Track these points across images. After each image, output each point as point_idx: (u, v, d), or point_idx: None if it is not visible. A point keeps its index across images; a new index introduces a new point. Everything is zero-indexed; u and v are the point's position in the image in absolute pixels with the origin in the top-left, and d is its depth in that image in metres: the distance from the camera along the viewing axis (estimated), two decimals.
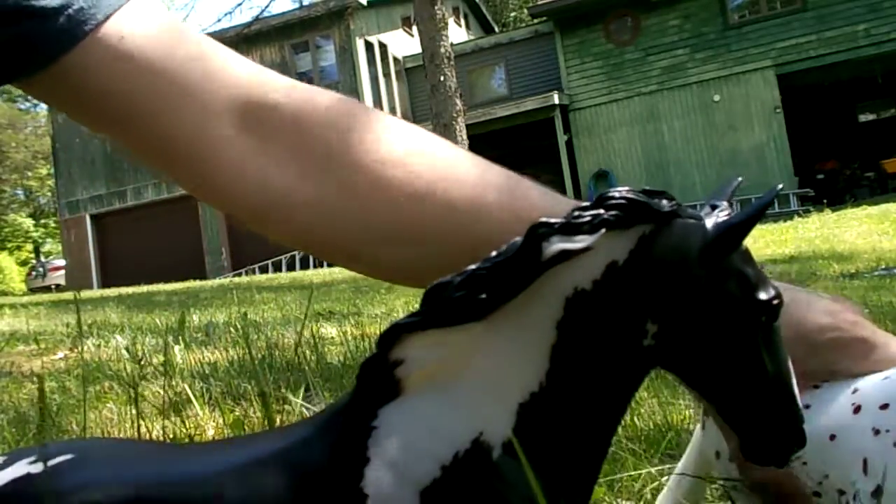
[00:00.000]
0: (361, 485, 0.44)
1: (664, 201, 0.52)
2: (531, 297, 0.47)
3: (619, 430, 1.66)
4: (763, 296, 0.49)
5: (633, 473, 1.32)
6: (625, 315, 0.48)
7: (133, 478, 0.43)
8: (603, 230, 0.48)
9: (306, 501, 0.43)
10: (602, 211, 0.49)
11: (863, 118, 18.76)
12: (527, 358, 0.47)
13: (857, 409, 0.73)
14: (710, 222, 0.51)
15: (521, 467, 0.45)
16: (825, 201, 14.33)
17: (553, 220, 0.47)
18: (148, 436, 1.70)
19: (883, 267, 5.58)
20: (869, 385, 0.75)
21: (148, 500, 0.42)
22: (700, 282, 0.48)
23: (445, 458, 0.45)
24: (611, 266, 0.48)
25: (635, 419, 1.70)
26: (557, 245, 0.46)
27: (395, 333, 0.46)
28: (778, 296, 0.50)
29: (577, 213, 0.48)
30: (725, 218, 0.51)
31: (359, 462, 0.44)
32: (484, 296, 0.46)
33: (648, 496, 1.25)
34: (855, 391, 0.76)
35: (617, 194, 0.50)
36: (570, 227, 0.47)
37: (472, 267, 0.47)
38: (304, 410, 1.67)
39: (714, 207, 0.52)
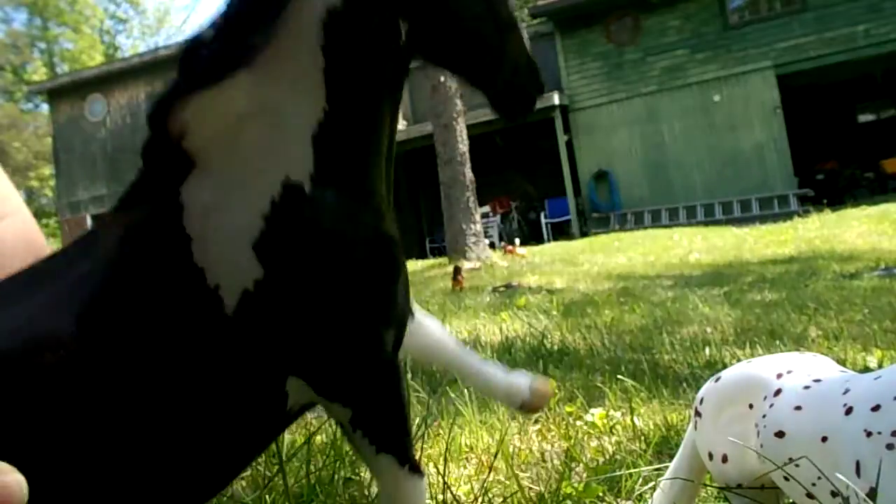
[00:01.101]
0: (194, 260, 0.43)
1: None
2: (289, 33, 0.47)
3: (619, 429, 1.67)
4: None
5: (632, 472, 1.33)
6: (379, 23, 0.50)
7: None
8: None
9: (146, 296, 0.42)
10: None
11: (862, 118, 18.74)
12: (304, 91, 0.47)
13: (848, 411, 0.74)
14: None
15: (329, 190, 0.46)
16: (825, 201, 14.32)
17: None
18: None
19: (883, 267, 5.58)
20: (860, 386, 0.76)
21: None
22: None
23: (264, 209, 0.45)
24: None
25: (635, 419, 1.70)
26: None
27: (165, 107, 0.45)
28: None
29: None
30: None
31: (182, 242, 0.43)
32: (243, 41, 0.44)
33: (647, 495, 1.25)
34: (846, 392, 0.76)
35: None
36: None
37: (221, 16, 0.46)
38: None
39: None
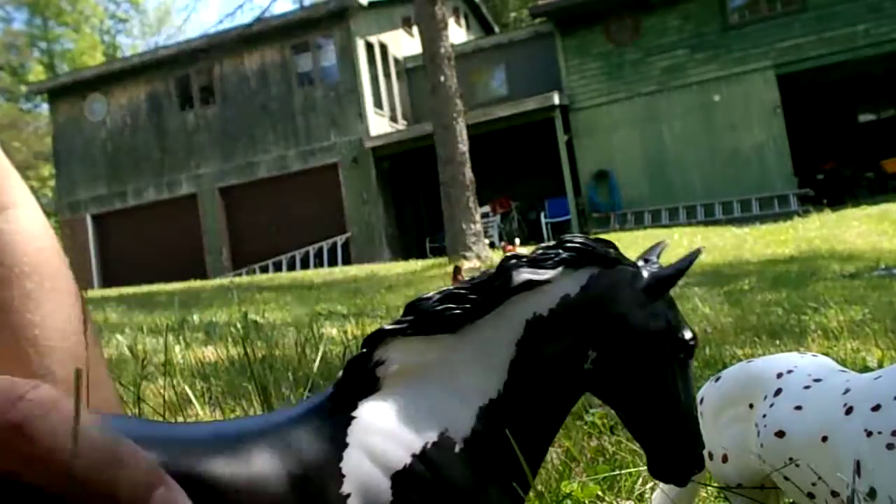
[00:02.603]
0: (340, 465, 0.50)
1: (611, 249, 0.61)
2: (498, 317, 0.57)
3: (619, 429, 1.67)
4: (684, 335, 0.60)
5: (632, 471, 1.33)
6: (571, 341, 0.58)
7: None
8: (561, 268, 0.58)
9: (293, 479, 0.48)
10: (561, 251, 0.59)
11: (863, 118, 18.74)
12: (489, 369, 0.56)
13: (848, 411, 0.74)
14: (646, 271, 0.61)
15: (475, 463, 0.53)
16: (825, 201, 14.32)
17: (524, 255, 0.58)
18: None
19: (883, 267, 5.58)
20: (860, 386, 0.76)
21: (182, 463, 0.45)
22: (635, 318, 0.59)
23: (415, 448, 0.52)
24: (564, 298, 0.58)
25: None
26: (524, 275, 0.57)
27: (380, 336, 0.55)
28: (695, 337, 0.61)
29: (541, 252, 0.59)
30: (658, 269, 0.61)
31: (339, 446, 0.50)
32: (458, 312, 0.55)
33: (647, 495, 1.25)
34: (846, 392, 0.76)
35: (574, 239, 0.60)
36: (534, 262, 0.58)
37: (452, 286, 0.57)
38: None
39: (647, 261, 0.63)
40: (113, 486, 0.35)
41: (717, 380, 0.97)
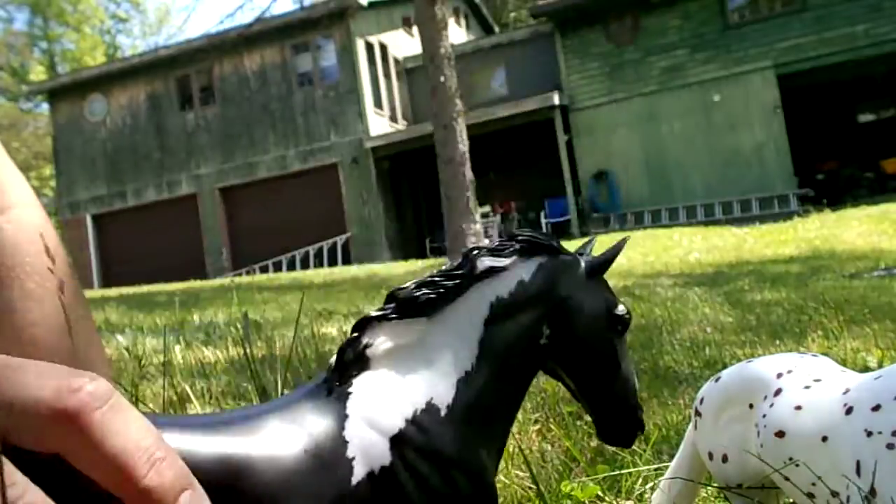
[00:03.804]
0: (344, 434, 0.57)
1: (554, 242, 0.71)
2: (466, 301, 0.66)
3: None
4: (619, 311, 0.71)
5: (632, 471, 1.33)
6: (528, 319, 0.68)
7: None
8: (516, 256, 0.68)
9: (306, 450, 0.55)
10: (515, 243, 0.69)
11: (863, 118, 18.74)
12: (462, 346, 0.65)
13: (848, 411, 0.74)
14: (583, 259, 0.72)
15: (463, 427, 0.62)
16: (825, 201, 14.33)
17: (483, 246, 0.68)
18: None
19: (883, 267, 5.58)
20: (860, 386, 0.76)
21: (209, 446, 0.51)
22: (579, 298, 0.70)
23: (407, 414, 0.60)
24: (520, 282, 0.67)
25: None
26: (487, 263, 0.67)
27: (366, 322, 0.63)
28: (628, 312, 0.72)
29: (497, 244, 0.69)
30: (593, 258, 0.73)
31: (341, 417, 0.58)
32: (432, 297, 0.64)
33: (647, 495, 1.25)
34: (846, 392, 0.76)
35: (524, 233, 0.70)
36: (494, 252, 0.68)
37: (426, 276, 0.66)
38: None
39: (581, 253, 0.74)
40: (148, 486, 0.37)
41: (717, 380, 0.97)
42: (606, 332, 0.71)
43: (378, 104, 17.56)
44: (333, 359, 0.63)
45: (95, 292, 12.07)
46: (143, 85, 18.92)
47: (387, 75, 18.21)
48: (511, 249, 0.68)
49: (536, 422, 1.81)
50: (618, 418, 0.72)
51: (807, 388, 0.82)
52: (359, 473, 0.57)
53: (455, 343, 0.65)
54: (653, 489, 1.22)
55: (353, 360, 0.62)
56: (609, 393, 0.71)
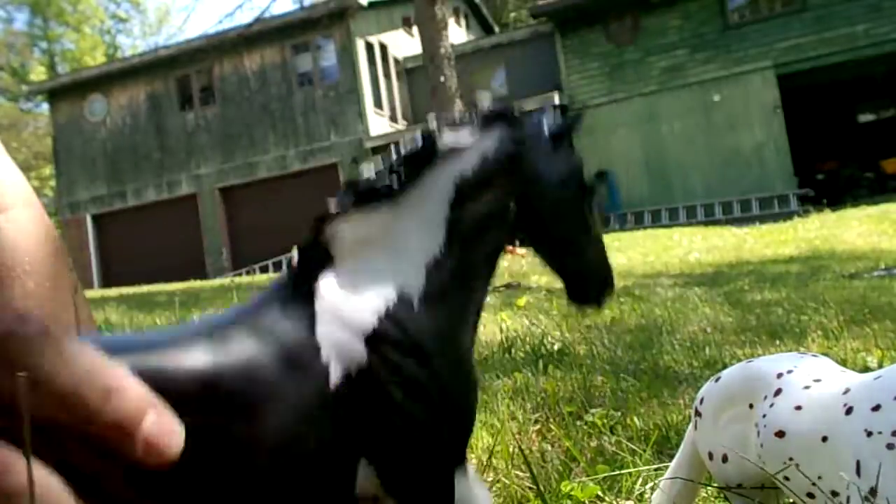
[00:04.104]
0: (315, 336, 0.55)
1: (515, 111, 0.69)
2: (430, 183, 0.63)
3: (619, 429, 1.67)
4: (587, 176, 0.69)
5: (632, 471, 1.33)
6: (495, 195, 0.66)
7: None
8: (477, 131, 0.65)
9: (278, 357, 0.53)
10: (476, 117, 0.66)
11: (863, 118, 18.74)
12: (428, 229, 0.62)
13: (848, 411, 0.74)
14: (545, 123, 0.70)
15: (437, 313, 0.60)
16: (825, 201, 14.32)
17: (443, 120, 0.65)
18: None
19: (883, 267, 5.57)
20: (860, 386, 0.76)
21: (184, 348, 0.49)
22: (545, 165, 0.68)
23: (379, 309, 0.58)
24: (483, 158, 0.65)
25: (635, 419, 1.71)
26: (448, 141, 0.64)
27: (324, 218, 0.60)
28: (598, 174, 0.72)
29: (459, 118, 0.66)
30: (557, 121, 0.71)
31: (310, 319, 0.55)
32: (391, 183, 0.61)
33: (647, 494, 1.25)
34: (846, 392, 0.76)
35: (482, 103, 0.67)
36: (454, 125, 0.65)
37: (386, 160, 0.64)
38: None
39: (538, 118, 0.71)
40: (103, 417, 0.36)
41: (717, 380, 0.97)
42: (575, 199, 0.70)
43: (378, 104, 17.56)
44: (294, 257, 0.59)
45: (95, 292, 12.07)
46: (143, 85, 18.92)
47: (387, 75, 18.21)
48: (472, 123, 0.66)
49: (536, 422, 1.81)
50: (590, 281, 0.72)
51: (807, 388, 0.82)
52: (336, 377, 0.54)
53: (421, 228, 0.62)
54: (653, 489, 1.22)
55: (316, 257, 0.59)
56: (581, 257, 0.71)
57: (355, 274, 0.59)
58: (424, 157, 0.63)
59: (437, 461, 0.61)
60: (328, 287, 0.58)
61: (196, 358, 0.49)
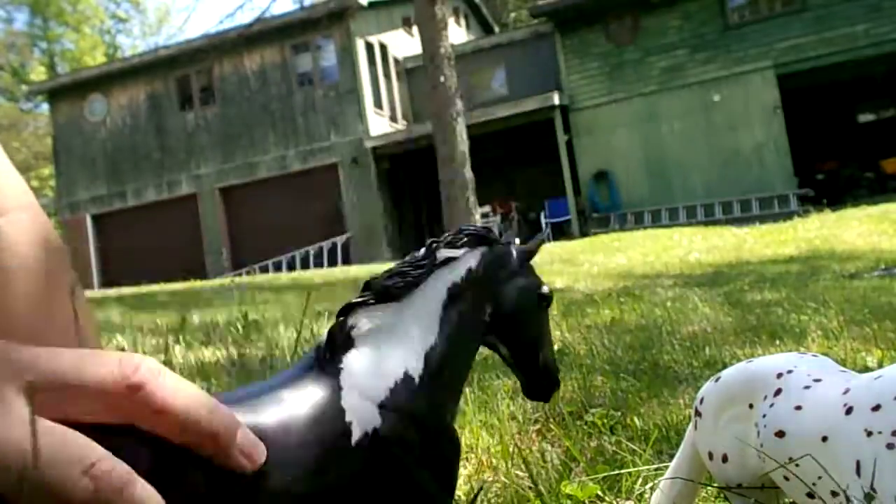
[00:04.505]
0: (341, 403, 0.69)
1: (492, 234, 0.86)
2: (428, 287, 0.80)
3: (619, 429, 1.67)
4: (544, 290, 0.88)
5: (632, 471, 1.33)
6: (476, 299, 0.83)
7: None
8: (466, 248, 0.83)
9: (311, 418, 0.66)
10: (464, 237, 0.84)
11: (862, 118, 18.75)
12: (427, 325, 0.79)
13: (848, 411, 0.74)
14: (514, 249, 0.88)
15: (431, 391, 0.76)
16: (825, 201, 14.33)
17: (440, 239, 0.84)
18: None
19: (883, 267, 5.58)
20: (860, 386, 0.76)
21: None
22: (514, 281, 0.86)
23: (390, 384, 0.73)
24: (468, 269, 0.82)
25: (635, 419, 1.71)
26: (444, 254, 0.82)
27: (350, 308, 0.76)
28: (550, 291, 0.90)
29: (450, 237, 0.84)
30: (522, 247, 0.90)
31: (336, 390, 0.70)
32: (402, 284, 0.78)
33: (647, 495, 1.25)
34: (846, 392, 0.76)
35: (470, 228, 0.86)
36: (449, 244, 0.82)
37: (396, 266, 0.81)
38: None
39: (509, 242, 0.89)
40: (214, 430, 0.46)
41: (717, 380, 0.97)
42: (536, 308, 0.88)
43: (378, 104, 17.56)
44: (324, 339, 0.76)
45: (95, 292, 12.07)
46: (143, 85, 18.92)
47: (387, 75, 18.21)
48: (462, 241, 0.84)
49: (536, 422, 1.81)
50: (543, 378, 0.88)
51: (807, 388, 0.82)
52: (356, 435, 0.70)
53: (422, 323, 0.79)
54: (653, 489, 1.21)
55: (341, 340, 0.74)
56: (536, 358, 0.88)
57: (371, 356, 0.75)
58: (426, 266, 0.81)
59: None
60: (350, 364, 0.73)
61: (255, 413, 0.62)
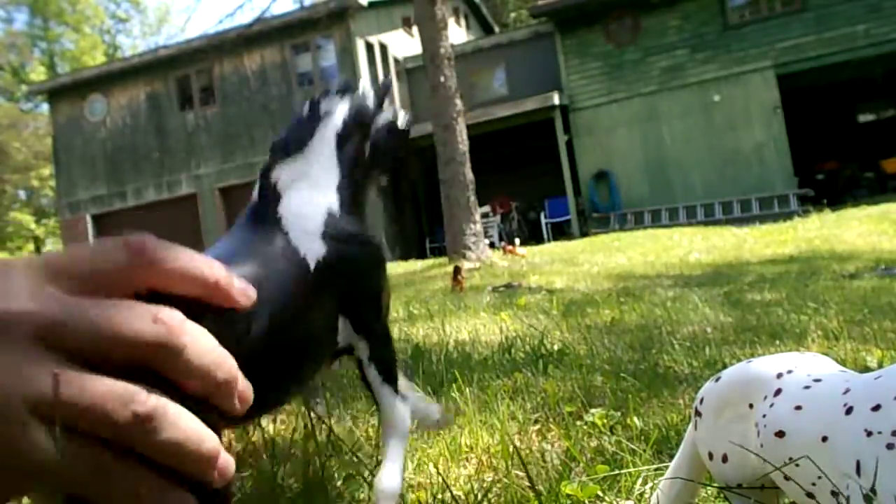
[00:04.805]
0: (294, 244, 0.88)
1: (353, 84, 1.10)
2: (321, 137, 1.00)
3: (619, 429, 1.67)
4: (401, 120, 1.12)
5: (632, 471, 1.33)
6: (358, 138, 1.03)
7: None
8: (339, 99, 1.05)
9: (277, 261, 0.85)
10: (334, 92, 1.06)
11: (862, 118, 18.74)
12: (331, 165, 0.99)
13: (848, 411, 0.74)
14: (372, 91, 1.12)
15: (350, 215, 0.98)
16: (825, 201, 14.33)
17: (327, 91, 1.05)
18: None
19: (883, 267, 5.58)
20: (860, 386, 0.76)
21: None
22: (378, 126, 1.08)
23: (320, 218, 0.94)
24: (343, 117, 1.03)
25: (635, 419, 1.70)
26: (324, 107, 1.03)
27: (267, 167, 0.97)
28: (406, 119, 1.15)
29: (323, 94, 1.06)
30: (379, 87, 1.14)
31: (285, 234, 0.89)
32: (300, 138, 0.99)
33: (647, 495, 1.25)
34: (846, 392, 0.76)
35: (338, 84, 1.08)
36: (328, 95, 1.02)
37: (289, 126, 1.03)
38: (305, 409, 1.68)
39: (347, 90, 1.12)
40: (216, 279, 0.52)
41: (717, 380, 0.97)
42: (401, 133, 1.12)
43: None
44: (256, 193, 0.95)
45: None
46: (143, 85, 18.92)
47: (387, 75, 18.20)
48: (334, 94, 1.04)
49: (536, 422, 1.81)
50: (403, 179, 1.23)
51: (807, 388, 0.82)
52: (312, 263, 0.89)
53: (325, 165, 0.99)
54: (653, 489, 1.21)
55: (272, 194, 0.94)
56: (396, 183, 1.18)
57: (298, 201, 0.94)
58: (314, 120, 1.00)
59: (382, 300, 1.03)
60: (286, 211, 0.91)
61: (241, 268, 0.77)
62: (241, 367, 0.50)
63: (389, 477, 1.01)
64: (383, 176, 1.11)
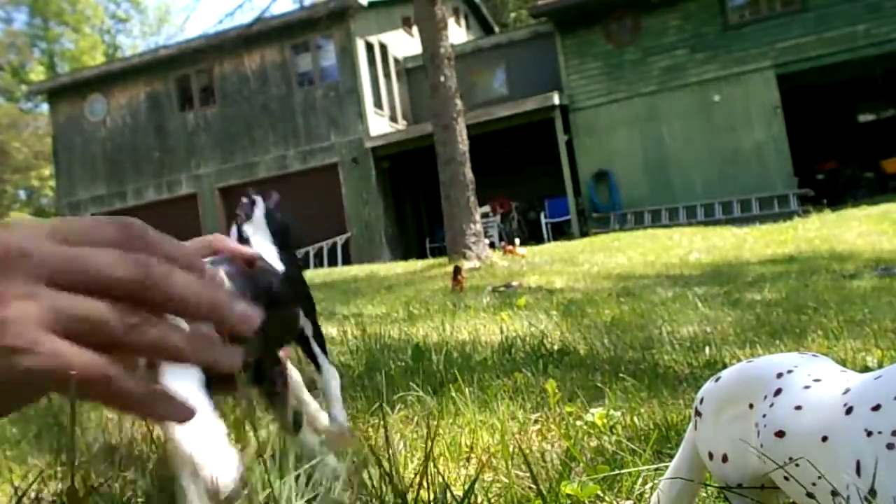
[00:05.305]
0: (269, 263, 1.41)
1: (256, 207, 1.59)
2: (258, 216, 1.52)
3: (619, 429, 1.67)
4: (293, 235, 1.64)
5: (632, 471, 1.33)
6: (283, 236, 1.54)
7: None
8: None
9: (266, 274, 1.35)
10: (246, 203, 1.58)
11: (862, 118, 18.74)
12: (269, 244, 1.48)
13: (848, 411, 0.74)
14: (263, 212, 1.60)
15: (287, 267, 1.46)
16: (825, 201, 14.32)
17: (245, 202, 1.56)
18: (149, 435, 1.71)
19: (882, 267, 5.58)
20: (860, 385, 0.76)
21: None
22: (287, 220, 1.60)
23: (273, 254, 1.46)
24: (268, 213, 1.55)
25: (635, 419, 1.71)
26: (259, 213, 1.55)
27: (239, 221, 1.51)
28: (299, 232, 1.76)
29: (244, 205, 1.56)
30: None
31: (263, 259, 1.36)
32: (253, 218, 1.52)
33: (647, 495, 1.25)
34: (846, 391, 0.76)
35: (256, 203, 1.58)
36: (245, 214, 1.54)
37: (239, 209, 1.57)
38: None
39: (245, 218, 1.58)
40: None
41: (717, 380, 0.97)
42: (290, 253, 1.54)
43: (378, 104, 17.55)
44: (235, 232, 1.48)
45: None
46: (143, 85, 18.91)
47: (387, 75, 18.20)
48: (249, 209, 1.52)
49: (536, 422, 1.81)
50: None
51: (807, 388, 0.82)
52: (281, 274, 1.40)
53: (267, 243, 1.47)
54: (653, 489, 1.21)
55: (245, 238, 1.42)
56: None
57: (259, 244, 1.44)
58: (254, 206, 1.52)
59: (313, 303, 1.56)
60: (257, 246, 1.42)
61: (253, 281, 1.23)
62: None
63: (339, 411, 1.51)
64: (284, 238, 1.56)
